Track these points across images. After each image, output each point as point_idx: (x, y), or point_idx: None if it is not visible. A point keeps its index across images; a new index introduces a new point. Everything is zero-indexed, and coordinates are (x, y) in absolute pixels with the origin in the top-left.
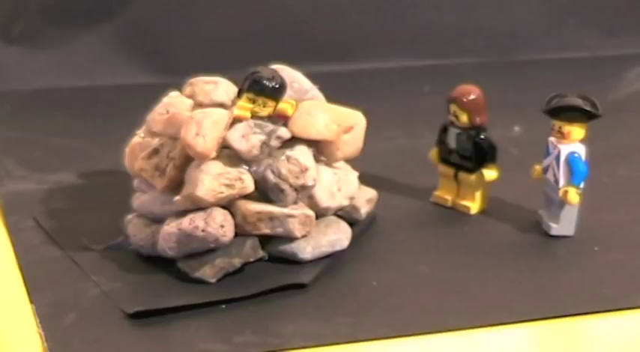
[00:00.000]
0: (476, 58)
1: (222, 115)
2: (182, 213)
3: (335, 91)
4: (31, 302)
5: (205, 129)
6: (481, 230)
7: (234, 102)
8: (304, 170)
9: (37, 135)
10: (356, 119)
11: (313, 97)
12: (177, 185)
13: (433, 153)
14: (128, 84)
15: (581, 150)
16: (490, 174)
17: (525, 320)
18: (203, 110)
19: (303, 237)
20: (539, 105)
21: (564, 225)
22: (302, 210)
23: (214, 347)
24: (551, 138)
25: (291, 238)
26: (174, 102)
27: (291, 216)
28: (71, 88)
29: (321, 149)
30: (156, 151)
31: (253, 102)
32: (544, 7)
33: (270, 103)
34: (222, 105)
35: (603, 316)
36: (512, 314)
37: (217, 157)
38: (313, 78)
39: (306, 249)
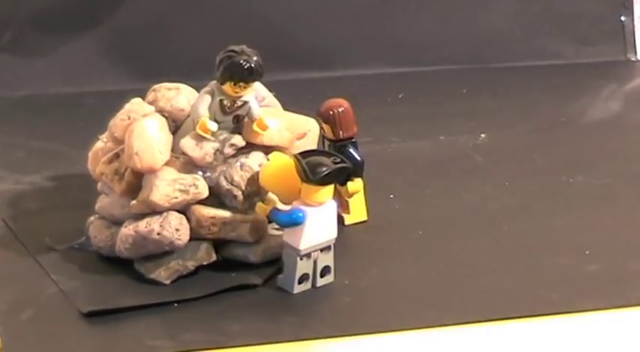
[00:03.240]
0: (452, 66)
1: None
2: (140, 216)
3: (312, 98)
4: None
5: (138, 148)
6: (434, 233)
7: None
8: (257, 177)
9: (20, 138)
10: (309, 126)
11: (269, 105)
12: (135, 189)
13: None
14: (112, 90)
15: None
16: (353, 187)
17: (467, 322)
18: (135, 124)
19: (256, 241)
20: (509, 113)
21: (286, 278)
22: (254, 215)
23: (161, 343)
24: None
25: (243, 242)
26: (135, 108)
27: (243, 221)
28: (57, 94)
29: None
30: (116, 156)
31: (240, 87)
32: (520, 15)
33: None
34: (182, 111)
35: (542, 319)
36: (454, 315)
37: (173, 163)
38: (292, 85)
39: (257, 252)
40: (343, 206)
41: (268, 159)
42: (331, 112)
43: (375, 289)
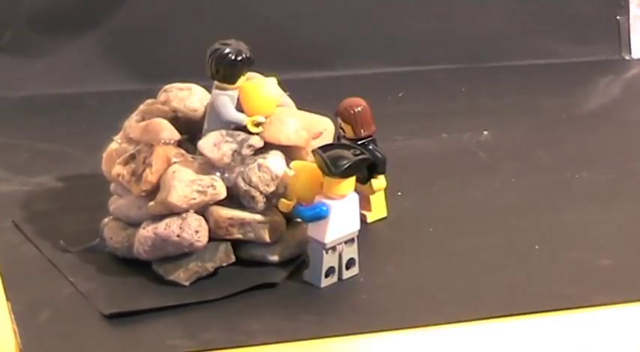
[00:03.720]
0: (449, 65)
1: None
2: (158, 218)
3: (312, 97)
4: (8, 299)
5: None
6: (445, 230)
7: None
8: (275, 178)
9: (23, 140)
10: (325, 125)
11: (284, 104)
12: (153, 190)
13: None
14: (113, 91)
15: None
16: (378, 184)
17: (484, 317)
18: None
19: (274, 241)
20: (509, 111)
21: (313, 272)
22: (272, 216)
23: (180, 342)
24: None
25: (261, 242)
26: (149, 109)
27: (261, 222)
28: (57, 95)
29: (291, 154)
30: (132, 157)
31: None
32: (516, 14)
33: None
34: (195, 112)
35: (559, 314)
36: (471, 312)
37: (191, 164)
38: (292, 84)
39: (275, 252)
40: (365, 204)
41: (287, 163)
42: (351, 111)
43: (391, 286)
